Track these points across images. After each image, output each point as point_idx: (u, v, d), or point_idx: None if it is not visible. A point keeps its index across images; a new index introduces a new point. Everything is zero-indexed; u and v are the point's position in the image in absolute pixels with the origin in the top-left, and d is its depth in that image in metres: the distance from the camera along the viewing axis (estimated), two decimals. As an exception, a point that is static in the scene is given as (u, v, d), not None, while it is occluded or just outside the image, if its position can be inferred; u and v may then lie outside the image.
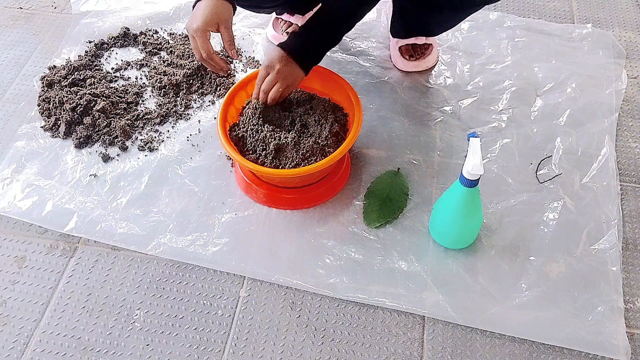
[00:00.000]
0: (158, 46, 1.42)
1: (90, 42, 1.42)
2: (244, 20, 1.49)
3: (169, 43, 1.42)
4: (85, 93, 1.26)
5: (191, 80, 1.33)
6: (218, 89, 1.32)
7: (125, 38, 1.44)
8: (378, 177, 1.16)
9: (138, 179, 1.16)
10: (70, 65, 1.35)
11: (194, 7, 1.00)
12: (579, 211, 1.10)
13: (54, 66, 1.36)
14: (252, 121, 1.07)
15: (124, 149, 1.21)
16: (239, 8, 1.10)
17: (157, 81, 1.32)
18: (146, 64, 1.38)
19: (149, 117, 1.26)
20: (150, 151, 1.21)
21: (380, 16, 1.48)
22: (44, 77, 1.33)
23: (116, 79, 1.35)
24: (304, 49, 1.04)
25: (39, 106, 1.28)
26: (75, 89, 1.29)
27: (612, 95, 1.30)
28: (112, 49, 1.42)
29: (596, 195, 1.12)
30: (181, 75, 1.32)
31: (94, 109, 1.23)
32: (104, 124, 1.23)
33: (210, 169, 1.18)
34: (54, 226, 1.09)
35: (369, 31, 1.45)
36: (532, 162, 1.18)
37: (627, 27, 1.49)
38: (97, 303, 1.00)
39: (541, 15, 1.51)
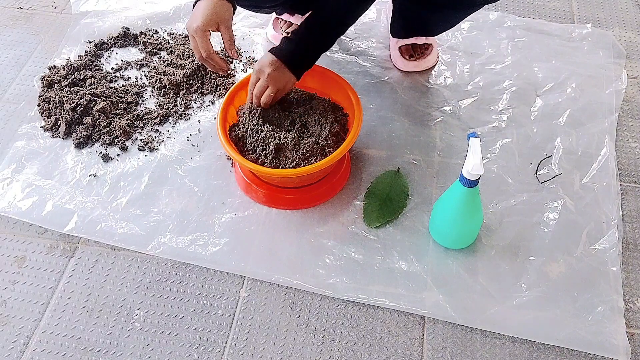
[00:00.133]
0: (158, 46, 1.42)
1: (90, 42, 1.42)
2: (244, 20, 1.49)
3: (169, 43, 1.42)
4: (85, 93, 1.26)
5: (191, 80, 1.33)
6: (218, 89, 1.32)
7: (125, 38, 1.44)
8: (378, 177, 1.16)
9: (138, 179, 1.16)
10: (70, 65, 1.35)
11: (194, 6, 1.00)
12: (579, 211, 1.10)
13: (54, 66, 1.36)
14: (252, 121, 1.07)
15: (124, 149, 1.21)
16: (239, 8, 1.10)
17: (157, 81, 1.32)
18: (146, 64, 1.38)
19: (149, 117, 1.26)
20: (150, 151, 1.21)
21: (380, 16, 1.48)
22: (44, 77, 1.33)
23: (116, 79, 1.35)
24: (294, 54, 1.04)
25: (39, 106, 1.28)
26: (75, 89, 1.29)
27: (612, 95, 1.30)
28: (112, 49, 1.42)
29: (596, 195, 1.12)
30: (181, 75, 1.32)
31: (94, 109, 1.23)
32: (104, 124, 1.23)
33: (210, 169, 1.18)
34: (54, 226, 1.09)
35: (369, 31, 1.45)
36: (532, 162, 1.18)
37: (627, 27, 1.49)
38: (97, 303, 1.00)
39: (541, 15, 1.51)
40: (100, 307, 1.00)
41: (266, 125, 1.06)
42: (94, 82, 1.31)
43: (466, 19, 1.25)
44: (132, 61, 1.38)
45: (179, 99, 1.30)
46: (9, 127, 1.26)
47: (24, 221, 1.11)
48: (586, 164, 1.18)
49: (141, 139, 1.23)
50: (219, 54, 1.30)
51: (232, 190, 1.14)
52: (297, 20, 1.38)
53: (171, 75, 1.33)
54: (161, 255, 1.05)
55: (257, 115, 1.06)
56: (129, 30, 1.45)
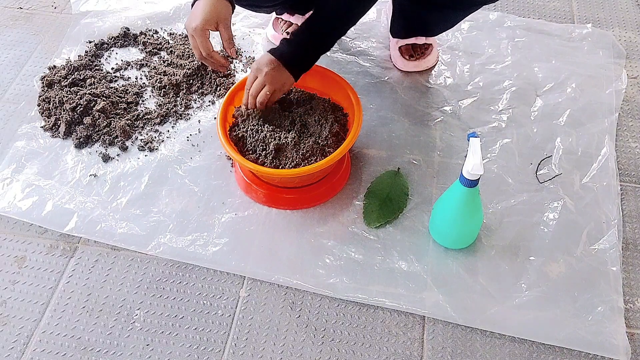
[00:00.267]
0: (158, 46, 1.42)
1: (90, 42, 1.42)
2: (244, 20, 1.49)
3: (169, 43, 1.42)
4: (85, 93, 1.26)
5: (191, 80, 1.33)
6: (218, 89, 1.32)
7: (125, 38, 1.44)
8: (378, 177, 1.16)
9: (138, 179, 1.16)
10: (70, 65, 1.35)
11: (192, 5, 1.01)
12: (579, 211, 1.10)
13: (54, 66, 1.36)
14: (252, 121, 1.07)
15: (124, 149, 1.21)
16: (238, 7, 1.10)
17: (157, 81, 1.32)
18: (146, 64, 1.38)
19: (149, 117, 1.26)
20: (150, 151, 1.21)
21: (380, 16, 1.48)
22: (44, 77, 1.33)
23: (116, 79, 1.35)
24: (293, 54, 1.04)
25: (39, 106, 1.28)
26: (75, 89, 1.29)
27: (612, 95, 1.30)
28: (112, 49, 1.42)
29: (596, 195, 1.12)
30: (181, 75, 1.32)
31: (94, 109, 1.23)
32: (104, 124, 1.23)
33: (210, 169, 1.18)
34: (54, 226, 1.09)
35: (369, 31, 1.45)
36: (532, 162, 1.18)
37: (627, 27, 1.49)
38: (97, 303, 1.00)
39: (541, 15, 1.51)
40: (100, 307, 1.00)
41: (266, 125, 1.06)
42: (94, 82, 1.31)
43: (466, 19, 1.25)
44: (132, 61, 1.38)
45: (179, 99, 1.30)
46: (9, 127, 1.26)
47: (24, 221, 1.11)
48: (586, 164, 1.18)
49: (141, 139, 1.23)
50: (219, 53, 1.30)
51: (232, 190, 1.14)
52: (297, 20, 1.38)
53: (171, 75, 1.33)
54: (161, 255, 1.05)
55: (257, 115, 1.06)
56: (129, 30, 1.45)
